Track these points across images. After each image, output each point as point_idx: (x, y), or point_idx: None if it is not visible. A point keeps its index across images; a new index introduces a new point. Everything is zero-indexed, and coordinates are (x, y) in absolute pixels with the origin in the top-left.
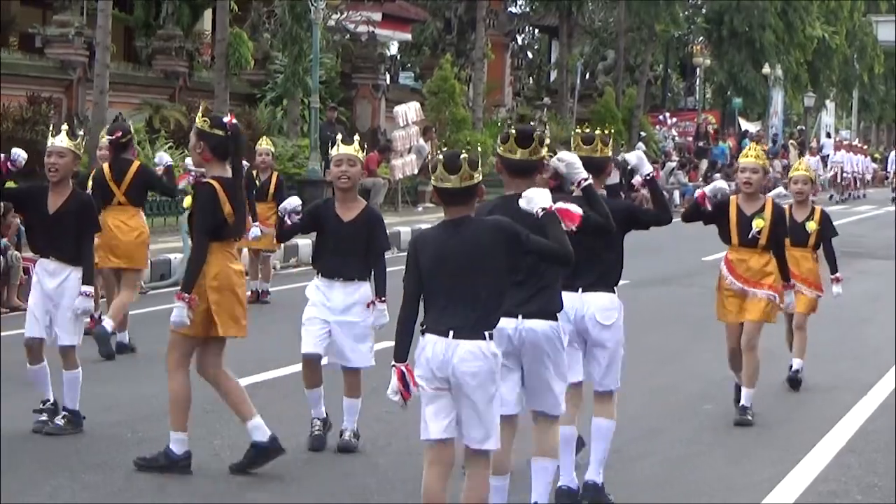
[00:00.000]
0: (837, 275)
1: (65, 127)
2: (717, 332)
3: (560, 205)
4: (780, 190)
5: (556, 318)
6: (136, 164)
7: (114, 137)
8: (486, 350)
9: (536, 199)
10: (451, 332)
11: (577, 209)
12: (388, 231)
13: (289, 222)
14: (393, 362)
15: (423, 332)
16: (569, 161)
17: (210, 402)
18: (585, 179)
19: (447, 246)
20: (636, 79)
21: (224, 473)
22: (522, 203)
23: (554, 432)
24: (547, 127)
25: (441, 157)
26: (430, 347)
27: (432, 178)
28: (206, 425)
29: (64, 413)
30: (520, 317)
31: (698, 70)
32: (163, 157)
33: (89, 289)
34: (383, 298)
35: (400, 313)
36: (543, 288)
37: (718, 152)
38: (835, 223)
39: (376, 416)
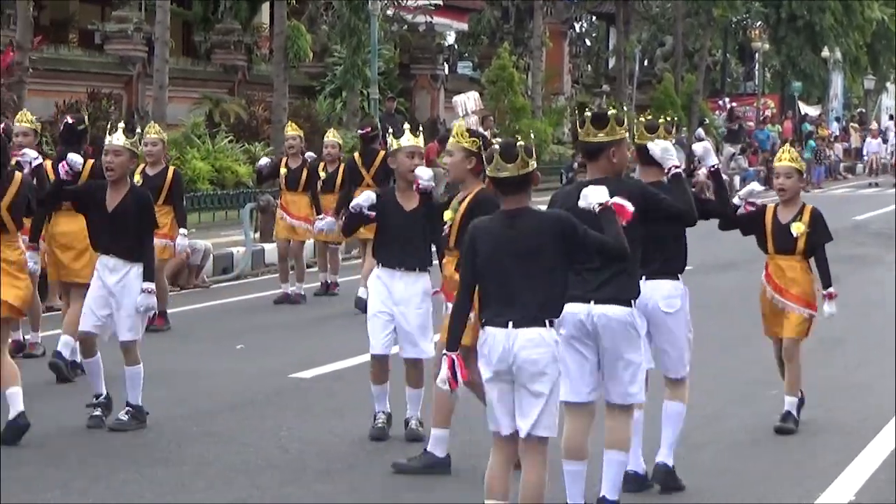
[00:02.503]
0: (831, 290)
1: (121, 125)
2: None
3: (616, 200)
4: (753, 187)
5: (629, 305)
6: (91, 163)
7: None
8: (546, 337)
9: (592, 196)
10: (511, 323)
11: (629, 206)
12: None
13: (366, 212)
14: (444, 351)
15: (483, 325)
16: (663, 147)
17: (274, 394)
18: (676, 167)
19: (505, 237)
20: (695, 64)
21: (290, 465)
22: (581, 202)
23: (626, 422)
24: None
25: (497, 146)
26: (492, 340)
27: (488, 168)
28: (272, 418)
29: (128, 409)
30: (592, 302)
31: (757, 54)
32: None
33: (150, 285)
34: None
35: (454, 303)
36: (618, 274)
37: (764, 137)
38: None
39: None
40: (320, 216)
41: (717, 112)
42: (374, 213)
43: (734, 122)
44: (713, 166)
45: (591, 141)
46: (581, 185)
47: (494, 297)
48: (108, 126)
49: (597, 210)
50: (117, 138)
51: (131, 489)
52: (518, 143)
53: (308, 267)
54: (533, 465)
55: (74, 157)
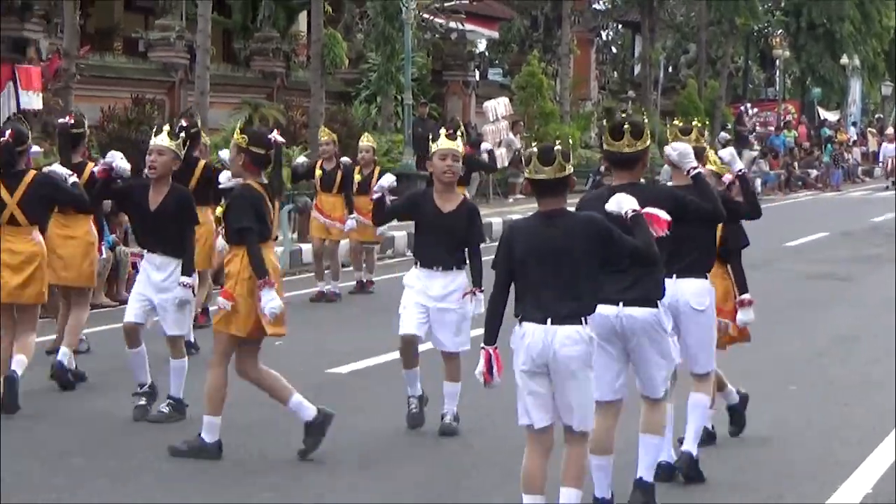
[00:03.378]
0: (746, 296)
1: (166, 127)
2: (799, 316)
3: (649, 210)
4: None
5: (656, 306)
6: (202, 163)
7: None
8: (583, 334)
9: (624, 202)
10: (549, 320)
11: (665, 216)
12: None
13: (387, 200)
14: (482, 345)
15: (519, 321)
16: (681, 150)
17: (311, 389)
18: (695, 168)
19: (541, 237)
20: (718, 71)
21: (325, 457)
22: (610, 206)
23: (659, 410)
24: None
25: (535, 149)
26: (529, 335)
27: (526, 170)
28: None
29: (169, 401)
30: (620, 304)
31: (778, 61)
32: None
33: (188, 279)
34: (482, 288)
35: (490, 299)
36: (645, 276)
37: (779, 142)
38: None
39: (471, 402)
40: (352, 215)
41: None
42: (394, 200)
43: (744, 127)
44: (740, 170)
45: (628, 151)
46: (613, 191)
47: (531, 294)
48: (153, 128)
49: (629, 215)
50: (161, 139)
51: (172, 479)
52: (555, 148)
53: (343, 266)
54: (574, 456)
55: (122, 165)
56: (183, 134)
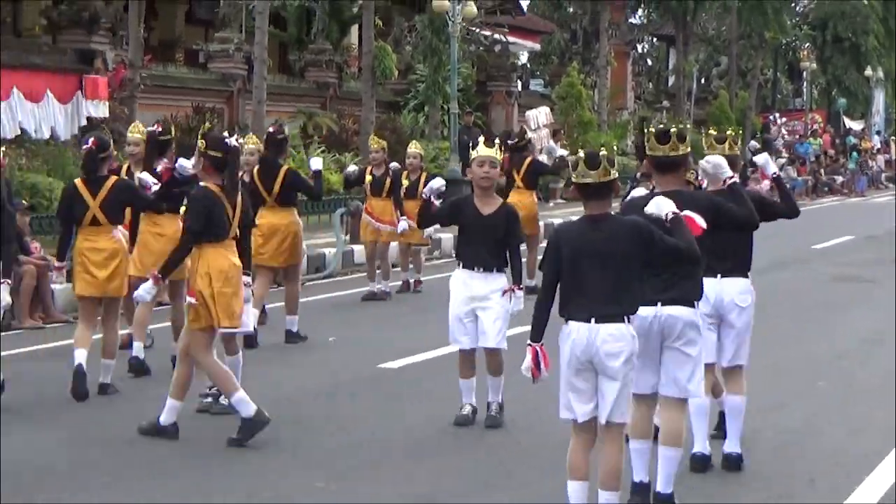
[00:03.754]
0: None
1: (226, 134)
2: (827, 315)
3: (687, 213)
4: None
5: (693, 306)
6: (285, 168)
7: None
8: (625, 332)
9: (663, 205)
10: (593, 318)
11: (702, 222)
12: None
13: (435, 202)
14: (529, 342)
15: (565, 320)
16: (715, 163)
17: (363, 383)
18: (731, 178)
19: (588, 239)
20: (748, 82)
21: (378, 448)
22: (650, 208)
23: (680, 416)
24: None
25: (582, 155)
26: (574, 332)
27: (573, 175)
28: (362, 404)
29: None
30: (659, 304)
31: (805, 73)
32: (316, 162)
33: (246, 278)
34: (521, 286)
35: (537, 298)
36: (683, 277)
37: (804, 150)
38: None
39: (517, 396)
40: (403, 217)
41: (772, 127)
42: (441, 205)
43: (770, 136)
44: (774, 174)
45: (672, 154)
46: (654, 196)
47: (576, 294)
48: (170, 140)
49: (669, 217)
50: None
51: (230, 470)
52: (601, 153)
53: (393, 267)
54: (612, 447)
55: (184, 163)
56: (270, 141)
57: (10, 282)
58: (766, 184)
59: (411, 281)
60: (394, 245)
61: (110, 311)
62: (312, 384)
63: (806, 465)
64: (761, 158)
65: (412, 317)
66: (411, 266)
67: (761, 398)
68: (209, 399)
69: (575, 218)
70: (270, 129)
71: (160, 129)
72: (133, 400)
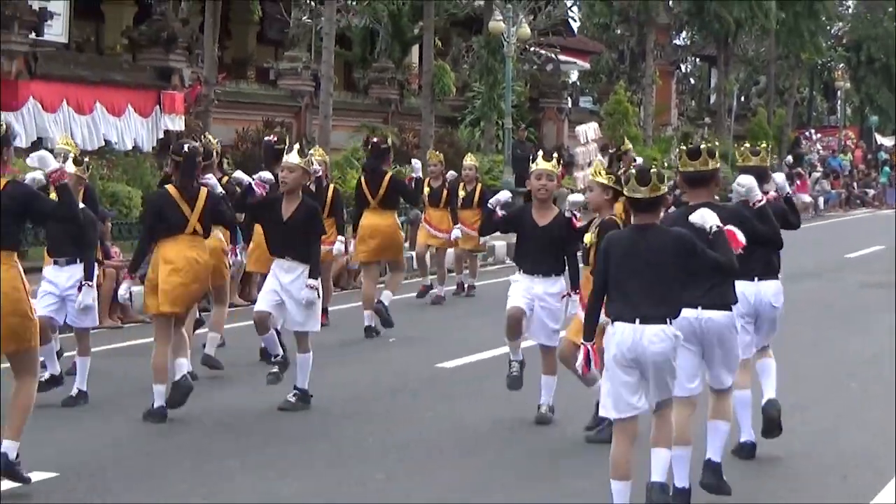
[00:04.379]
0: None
1: (296, 147)
2: (861, 320)
3: (730, 227)
4: (575, 199)
5: (730, 309)
6: (389, 174)
7: (374, 144)
8: (668, 333)
9: (708, 218)
10: (639, 320)
11: (742, 237)
12: None
13: (499, 213)
14: (581, 341)
15: (612, 321)
16: (748, 186)
17: (421, 381)
18: (759, 201)
19: (636, 248)
20: (785, 100)
21: (434, 442)
22: (695, 218)
23: (727, 401)
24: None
25: (634, 171)
26: (620, 333)
27: (625, 189)
28: (420, 401)
29: (295, 391)
30: (699, 308)
31: (839, 92)
32: (416, 165)
33: (313, 282)
34: (577, 291)
35: (588, 302)
36: (720, 283)
37: (835, 164)
38: None
39: (568, 394)
40: (457, 226)
41: (804, 142)
42: (503, 213)
43: (802, 150)
44: (788, 194)
45: (703, 169)
46: (690, 209)
47: (623, 297)
48: (284, 147)
49: (712, 230)
50: (292, 157)
51: (298, 461)
52: (651, 170)
53: (448, 272)
54: (679, 413)
55: (265, 174)
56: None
57: (92, 284)
58: (806, 197)
59: (465, 284)
60: (450, 251)
61: (219, 300)
62: (373, 382)
63: (837, 463)
64: (779, 178)
65: (466, 319)
66: (466, 270)
67: (792, 398)
68: (276, 369)
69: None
70: (374, 140)
71: (275, 139)
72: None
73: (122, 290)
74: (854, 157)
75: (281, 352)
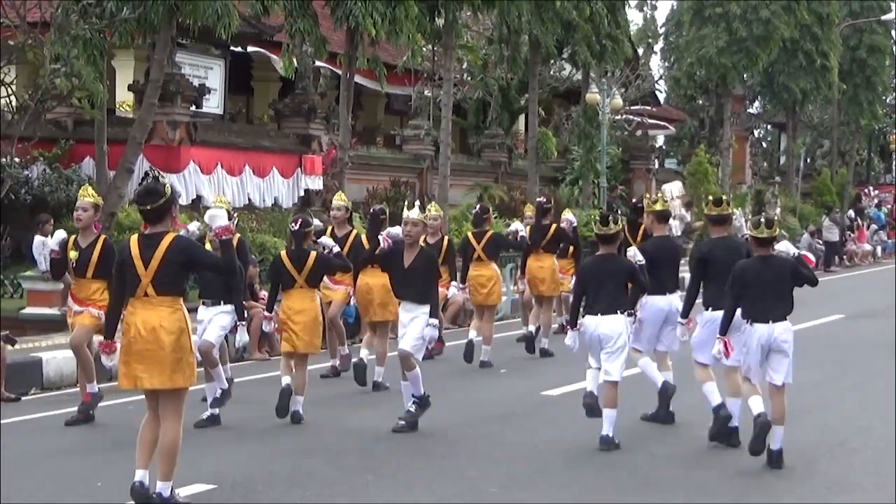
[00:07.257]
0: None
1: (417, 203)
2: None
3: (804, 252)
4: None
5: (787, 319)
6: (490, 232)
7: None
8: (789, 326)
9: (791, 248)
10: (771, 320)
11: (812, 258)
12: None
13: None
14: (717, 335)
15: (750, 322)
16: (784, 249)
17: (529, 407)
18: (796, 256)
19: (762, 271)
20: (846, 161)
21: (540, 461)
22: (780, 247)
23: (783, 400)
24: (778, 199)
25: (761, 218)
26: (758, 330)
27: (755, 230)
28: (527, 425)
29: (414, 400)
30: (770, 321)
31: (894, 153)
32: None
33: (435, 321)
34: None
35: (724, 312)
36: (783, 299)
37: (875, 216)
38: None
39: (635, 420)
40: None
41: (863, 198)
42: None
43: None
44: (796, 255)
45: (723, 213)
46: (716, 241)
47: (757, 305)
48: (406, 204)
49: (795, 256)
50: (414, 213)
51: (422, 475)
52: (767, 218)
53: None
54: (778, 403)
55: (392, 229)
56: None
57: (244, 323)
58: (866, 246)
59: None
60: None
61: (302, 361)
62: (486, 407)
63: (858, 465)
64: (782, 245)
65: (568, 353)
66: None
67: (859, 422)
68: (413, 408)
69: None
70: (542, 199)
71: (381, 209)
72: (339, 420)
73: (266, 327)
74: (891, 210)
75: (421, 392)
